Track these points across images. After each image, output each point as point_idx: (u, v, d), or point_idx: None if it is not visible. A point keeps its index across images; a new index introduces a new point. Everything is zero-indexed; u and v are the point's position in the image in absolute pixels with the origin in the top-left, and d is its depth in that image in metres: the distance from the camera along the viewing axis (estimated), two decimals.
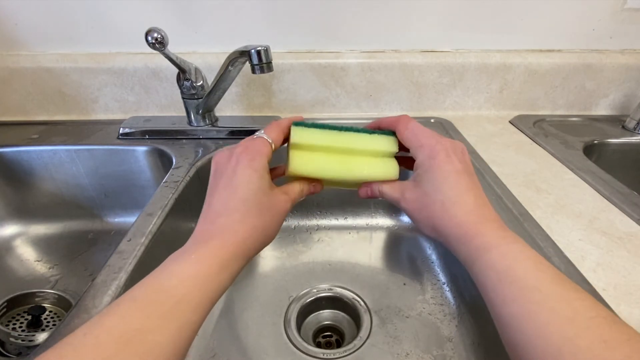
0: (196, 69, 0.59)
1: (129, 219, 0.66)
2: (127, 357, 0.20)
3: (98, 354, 0.19)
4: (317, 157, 0.33)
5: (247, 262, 0.28)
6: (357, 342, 0.48)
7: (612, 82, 0.71)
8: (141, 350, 0.20)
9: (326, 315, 0.55)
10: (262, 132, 0.32)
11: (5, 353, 0.48)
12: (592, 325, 0.20)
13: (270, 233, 0.30)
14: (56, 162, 0.61)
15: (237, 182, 0.28)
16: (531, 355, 0.21)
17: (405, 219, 0.66)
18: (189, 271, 0.24)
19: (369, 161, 0.34)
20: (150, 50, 0.51)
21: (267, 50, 0.51)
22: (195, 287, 0.24)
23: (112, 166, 0.62)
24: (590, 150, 0.62)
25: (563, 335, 0.20)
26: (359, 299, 0.54)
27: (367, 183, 0.35)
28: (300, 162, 0.32)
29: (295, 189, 0.33)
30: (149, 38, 0.49)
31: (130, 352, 0.20)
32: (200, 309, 0.24)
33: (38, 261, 0.60)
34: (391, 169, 0.35)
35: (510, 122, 0.71)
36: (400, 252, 0.62)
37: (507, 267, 0.24)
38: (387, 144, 0.34)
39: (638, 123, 0.66)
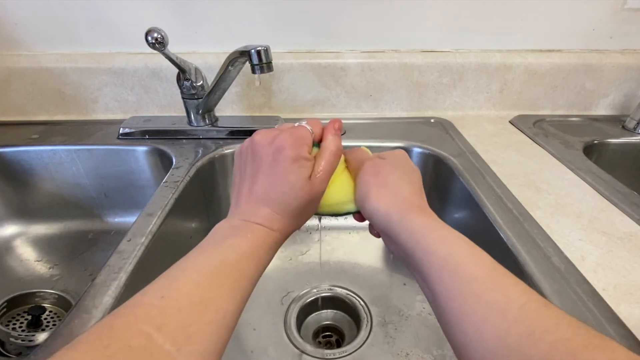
0: (196, 69, 0.59)
1: (129, 219, 0.66)
2: (205, 323, 0.21)
3: (181, 318, 0.21)
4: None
5: (286, 239, 0.31)
6: (357, 342, 0.49)
7: (612, 82, 0.71)
8: (215, 317, 0.22)
9: (326, 315, 0.55)
10: (304, 122, 0.32)
11: (5, 353, 0.48)
12: (523, 315, 0.21)
13: (305, 218, 0.32)
14: (56, 162, 0.61)
15: (277, 172, 0.29)
16: (472, 357, 0.22)
17: None
18: (246, 248, 0.27)
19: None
20: (150, 50, 0.51)
21: (267, 50, 0.51)
22: (252, 263, 0.26)
23: (112, 166, 0.62)
24: (590, 150, 0.62)
25: (496, 334, 0.21)
26: (359, 299, 0.54)
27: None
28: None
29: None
30: (149, 38, 0.50)
31: (208, 318, 0.22)
32: (254, 282, 0.27)
33: (38, 261, 0.60)
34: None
35: (510, 122, 0.71)
36: None
37: (448, 253, 0.25)
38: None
39: (638, 123, 0.66)
